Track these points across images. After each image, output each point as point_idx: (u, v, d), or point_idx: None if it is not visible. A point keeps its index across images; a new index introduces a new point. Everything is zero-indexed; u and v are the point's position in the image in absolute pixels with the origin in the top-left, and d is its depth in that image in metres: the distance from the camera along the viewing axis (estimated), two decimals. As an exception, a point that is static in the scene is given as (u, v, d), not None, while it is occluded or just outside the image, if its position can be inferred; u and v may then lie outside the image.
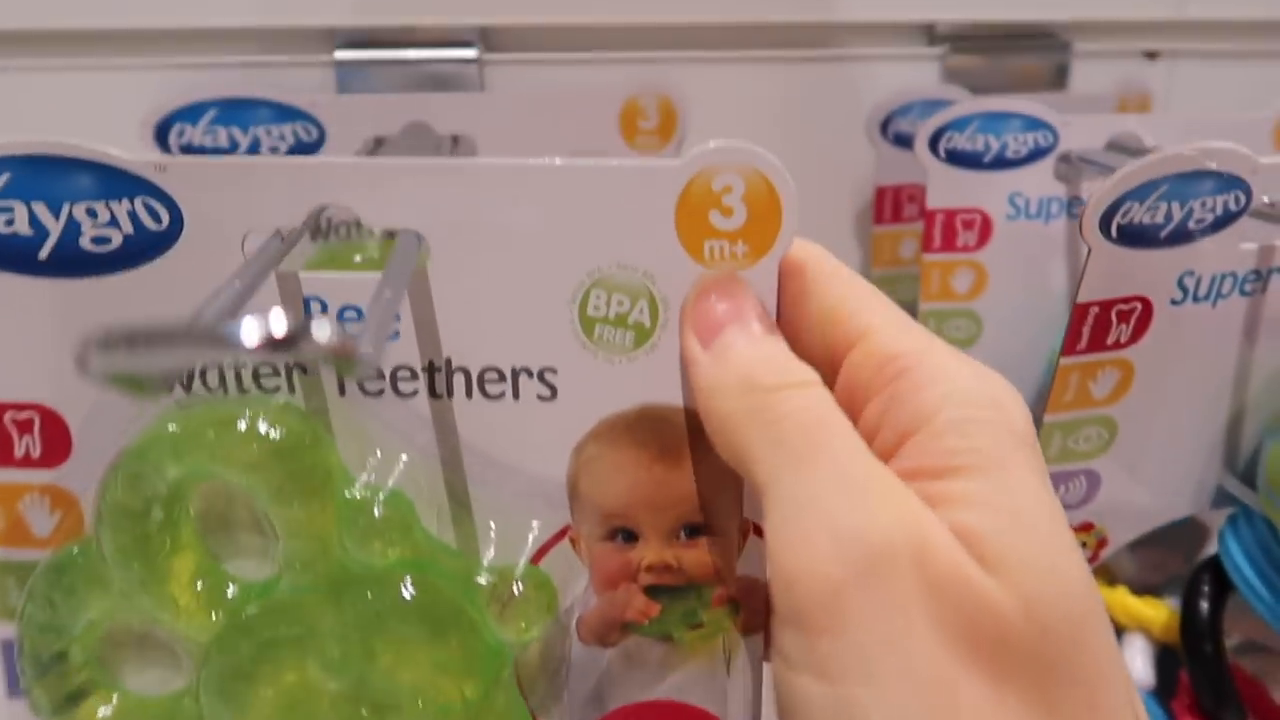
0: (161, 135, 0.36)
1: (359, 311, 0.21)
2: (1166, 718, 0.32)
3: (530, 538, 0.22)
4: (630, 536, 0.22)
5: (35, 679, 0.22)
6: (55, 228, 0.21)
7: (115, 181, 0.20)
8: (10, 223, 0.20)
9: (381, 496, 0.21)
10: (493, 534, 0.22)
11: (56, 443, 0.22)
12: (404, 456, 0.22)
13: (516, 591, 0.21)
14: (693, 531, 0.22)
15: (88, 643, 0.22)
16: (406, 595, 0.21)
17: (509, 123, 0.37)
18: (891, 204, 0.41)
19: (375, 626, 0.21)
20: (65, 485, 0.22)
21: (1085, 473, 0.30)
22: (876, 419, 0.19)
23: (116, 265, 0.21)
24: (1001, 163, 0.36)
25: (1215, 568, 0.31)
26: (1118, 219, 0.26)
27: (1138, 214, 0.26)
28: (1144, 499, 0.30)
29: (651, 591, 0.22)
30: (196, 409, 0.21)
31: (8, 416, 0.22)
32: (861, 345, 0.19)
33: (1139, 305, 0.27)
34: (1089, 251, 0.26)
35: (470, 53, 0.39)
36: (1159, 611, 0.32)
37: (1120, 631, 0.32)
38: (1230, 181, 0.26)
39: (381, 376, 0.21)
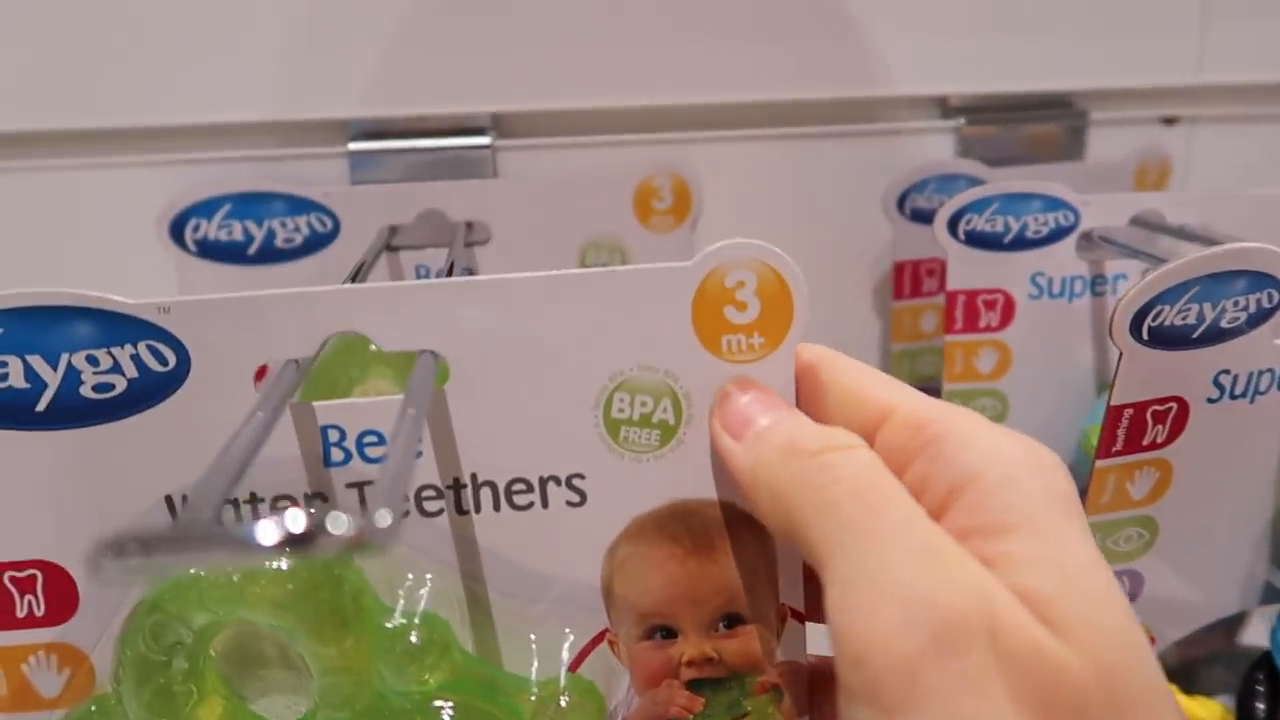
0: (177, 231, 0.36)
1: (379, 436, 0.21)
2: None
3: (566, 645, 0.22)
4: (669, 633, 0.22)
5: None
6: (53, 379, 0.20)
7: (117, 327, 0.20)
8: (4, 378, 0.20)
9: (417, 621, 0.20)
10: (533, 645, 0.21)
11: (62, 598, 0.21)
12: (429, 577, 0.21)
13: (563, 704, 0.21)
14: (731, 622, 0.22)
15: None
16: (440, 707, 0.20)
17: (523, 208, 0.37)
18: (910, 278, 0.41)
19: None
20: (73, 641, 0.21)
21: (1128, 573, 0.29)
22: (918, 483, 0.18)
23: (122, 411, 0.20)
24: (1022, 243, 0.35)
25: (1268, 665, 0.30)
26: (1149, 322, 0.26)
27: (1169, 316, 0.26)
28: (1190, 597, 0.30)
29: (694, 686, 0.22)
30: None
31: (7, 576, 0.21)
32: (892, 419, 0.19)
33: (1175, 405, 0.27)
34: (1120, 355, 0.26)
35: (483, 140, 0.39)
36: (1212, 712, 0.31)
37: None
38: (1262, 280, 0.26)
39: (405, 499, 0.21)
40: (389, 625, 0.20)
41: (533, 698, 0.21)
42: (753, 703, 0.22)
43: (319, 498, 0.21)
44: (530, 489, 0.21)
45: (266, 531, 0.14)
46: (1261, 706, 0.30)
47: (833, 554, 0.17)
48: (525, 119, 0.40)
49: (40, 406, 0.20)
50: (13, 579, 0.21)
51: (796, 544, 0.18)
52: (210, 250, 0.36)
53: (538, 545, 0.21)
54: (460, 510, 0.21)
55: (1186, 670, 0.33)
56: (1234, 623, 0.32)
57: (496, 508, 0.21)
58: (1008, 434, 0.18)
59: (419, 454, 0.21)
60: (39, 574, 0.21)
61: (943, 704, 0.15)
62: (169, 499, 0.21)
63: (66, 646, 0.21)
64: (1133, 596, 0.29)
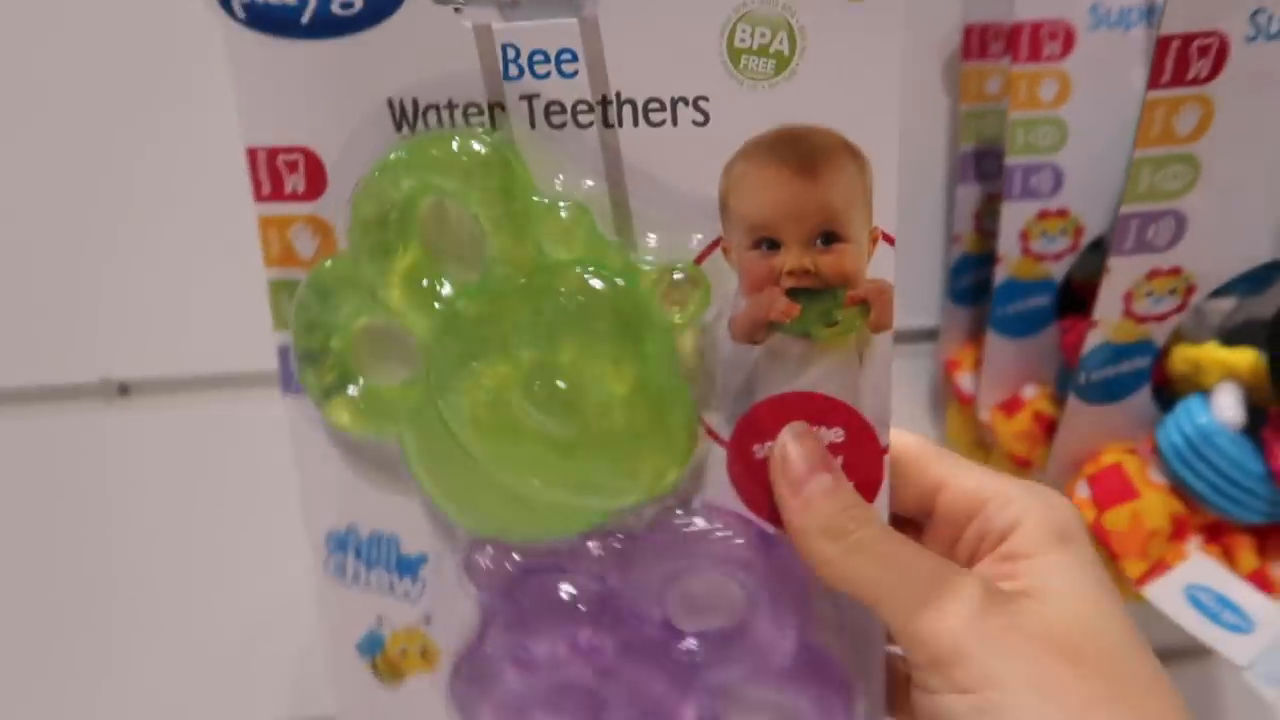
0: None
1: (546, 54, 0.25)
2: (1256, 447, 0.34)
3: (689, 248, 0.26)
4: (773, 245, 0.25)
5: (304, 370, 0.29)
6: (311, -3, 0.26)
7: (355, -46, 0.25)
8: (278, -6, 0.26)
9: (564, 203, 0.25)
10: (652, 245, 0.26)
11: (316, 179, 0.28)
12: (586, 181, 0.26)
13: (677, 277, 0.25)
14: (828, 240, 0.25)
15: (342, 338, 0.28)
16: (591, 283, 0.25)
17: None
18: (979, 41, 0.41)
19: (564, 319, 0.25)
20: (323, 215, 0.28)
21: (1173, 213, 0.32)
22: (977, 535, 0.27)
23: (358, 25, 0.26)
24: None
25: None
26: None
27: None
28: (1229, 242, 0.32)
29: (792, 294, 0.26)
30: (420, 138, 0.26)
31: (280, 159, 0.28)
32: (948, 489, 0.28)
33: (1216, 40, 0.30)
34: None
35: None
36: (1246, 356, 0.34)
37: (1211, 385, 0.35)
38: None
39: (563, 110, 0.26)
40: (544, 201, 0.25)
41: (651, 270, 0.25)
42: (843, 314, 0.26)
43: (498, 106, 0.26)
44: (663, 108, 0.25)
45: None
46: None
47: (879, 599, 0.25)
48: None
49: (304, 19, 0.26)
50: (284, 161, 0.28)
51: (849, 591, 0.26)
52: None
53: (668, 159, 0.25)
54: (606, 124, 0.25)
55: (1226, 329, 0.36)
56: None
57: (635, 123, 0.25)
58: (1031, 490, 0.27)
59: (575, 73, 0.25)
60: (301, 158, 0.28)
61: (985, 656, 0.24)
62: (390, 101, 0.27)
63: (318, 219, 0.28)
64: (1177, 238, 0.32)
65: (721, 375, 0.27)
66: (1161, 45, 0.30)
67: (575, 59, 0.25)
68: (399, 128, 0.27)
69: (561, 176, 0.26)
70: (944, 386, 0.45)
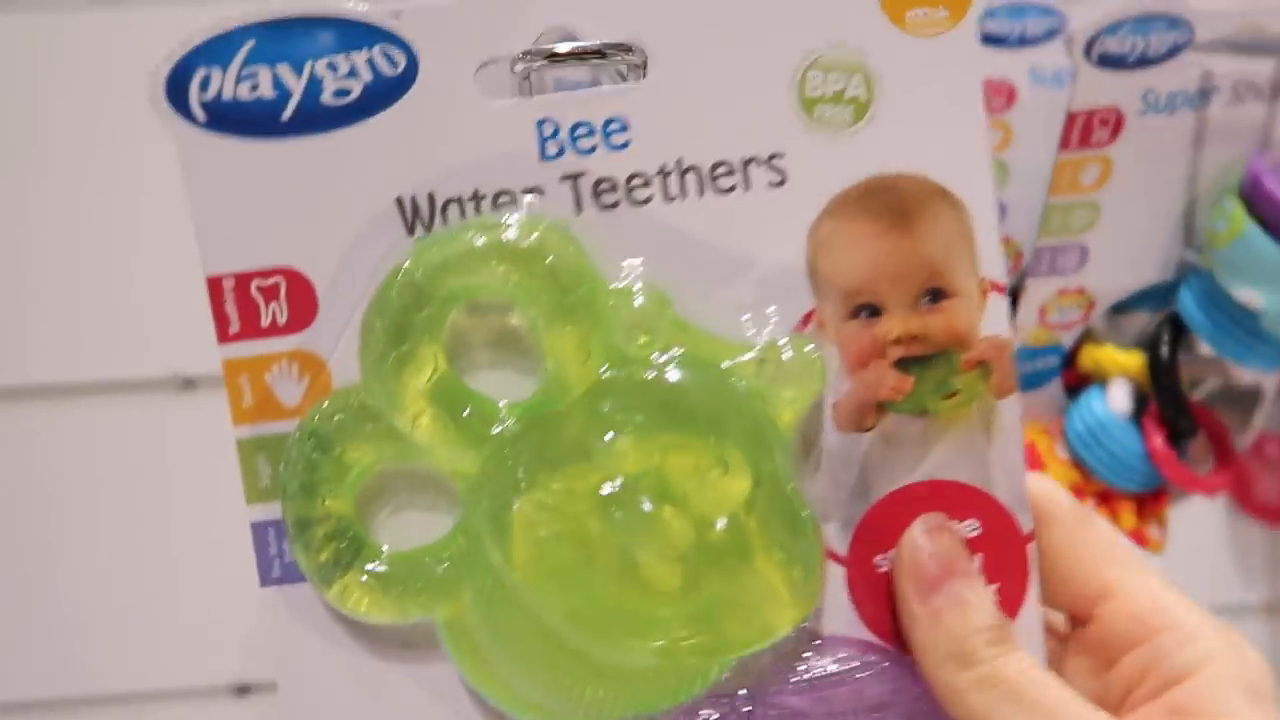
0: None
1: (591, 126, 0.22)
2: (1139, 431, 0.41)
3: (777, 327, 0.22)
4: (874, 311, 0.22)
5: (300, 545, 0.22)
6: (298, 86, 0.22)
7: (354, 34, 0.22)
8: (255, 88, 0.22)
9: (639, 286, 0.21)
10: (744, 323, 0.22)
11: (303, 305, 0.23)
12: (648, 266, 0.22)
13: (785, 358, 0.21)
14: (935, 297, 0.22)
15: (347, 497, 0.22)
16: (677, 378, 0.21)
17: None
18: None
19: (652, 419, 0.21)
20: (313, 349, 0.23)
21: (1079, 246, 0.40)
22: (1140, 670, 0.22)
23: (355, 116, 0.22)
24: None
25: (1174, 319, 0.41)
26: (1096, 48, 0.36)
27: (1110, 45, 0.36)
28: (1123, 268, 0.41)
29: (902, 365, 0.22)
30: (447, 231, 0.22)
31: (254, 284, 0.23)
32: (1114, 600, 0.23)
33: (1114, 114, 0.38)
34: (1076, 71, 0.37)
35: None
36: (1135, 359, 0.42)
37: (1107, 380, 0.42)
38: (1175, 21, 0.36)
39: (615, 187, 0.22)
40: (616, 286, 0.21)
41: (756, 355, 0.21)
42: (961, 380, 0.22)
43: (536, 191, 0.22)
44: (732, 171, 0.22)
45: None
46: (1165, 348, 0.41)
47: None
48: None
49: (286, 115, 0.22)
50: (259, 287, 0.23)
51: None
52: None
53: (743, 227, 0.22)
54: (668, 197, 0.22)
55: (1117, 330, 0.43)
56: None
57: (701, 192, 0.22)
58: (1221, 631, 0.22)
59: (626, 144, 0.22)
60: (283, 281, 0.23)
61: None
62: (399, 200, 0.22)
63: (307, 354, 0.23)
64: (1081, 266, 0.40)
65: (831, 474, 0.23)
66: (1070, 118, 0.38)
67: (625, 129, 0.22)
68: (411, 230, 0.22)
69: (623, 263, 0.22)
70: None
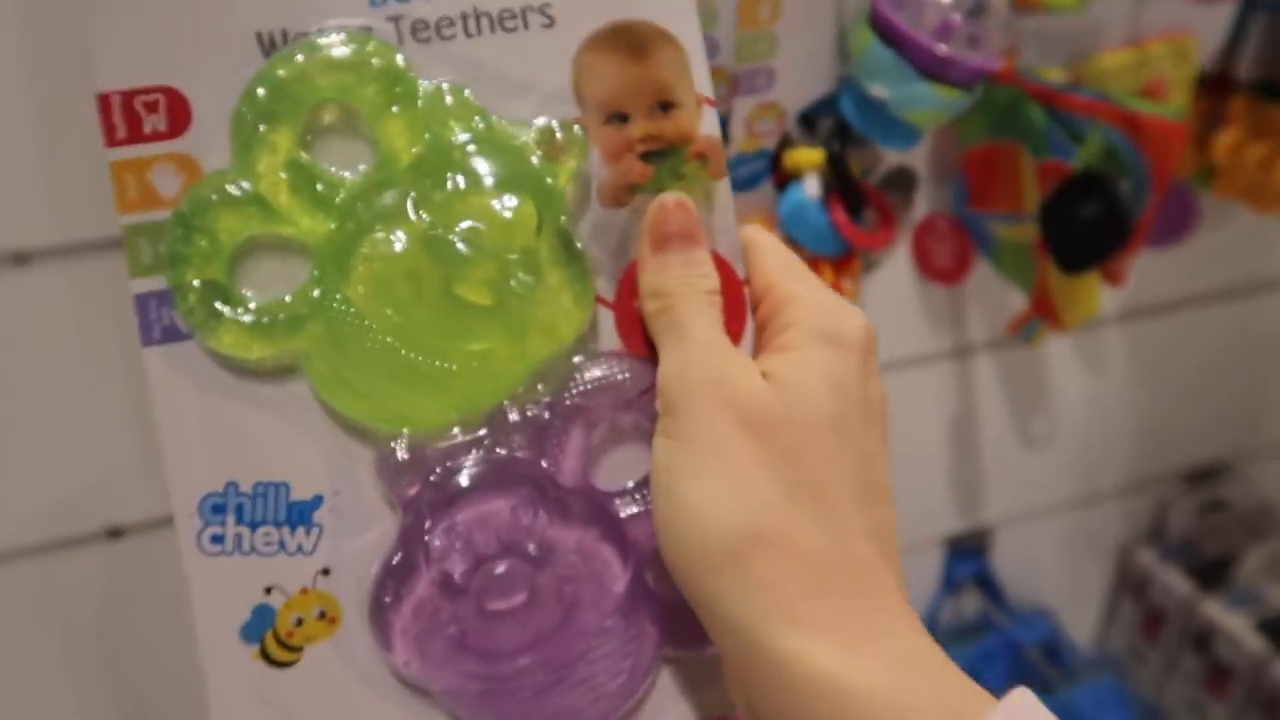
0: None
1: (406, -19, 0.29)
2: (826, 210, 0.54)
3: (552, 121, 0.30)
4: (623, 119, 0.31)
5: (183, 303, 0.28)
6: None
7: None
8: (139, -55, 0.28)
9: (447, 86, 0.29)
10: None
11: (180, 116, 0.29)
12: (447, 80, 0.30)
13: (558, 138, 0.29)
14: (665, 108, 0.31)
15: (220, 261, 0.28)
16: (476, 150, 0.28)
17: None
18: None
19: (456, 194, 0.28)
20: (187, 151, 0.29)
21: (767, 70, 0.51)
22: (773, 328, 0.30)
23: (222, -30, 0.29)
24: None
25: (840, 120, 0.53)
26: None
27: None
28: (802, 84, 0.53)
29: (645, 158, 0.31)
30: (302, 44, 0.28)
31: (138, 100, 0.28)
32: (773, 290, 0.30)
33: None
34: None
35: None
36: (819, 154, 0.54)
37: (801, 174, 0.54)
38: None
39: (428, 27, 0.30)
40: (427, 86, 0.29)
41: (535, 136, 0.29)
42: (688, 168, 0.31)
43: (366, 30, 0.29)
44: (515, 16, 0.30)
45: None
46: (837, 144, 0.54)
47: (661, 351, 0.29)
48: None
49: (165, -34, 0.28)
50: (142, 101, 0.28)
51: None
52: None
53: (526, 57, 0.30)
54: (468, 35, 0.30)
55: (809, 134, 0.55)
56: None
57: (493, 31, 0.30)
58: (829, 302, 0.30)
59: (435, -5, 0.30)
60: (162, 97, 0.29)
61: (691, 416, 0.27)
62: (259, 34, 0.29)
63: (183, 155, 0.29)
64: (769, 87, 0.51)
65: (599, 241, 0.30)
66: None
67: (432, -16, 0.30)
68: (268, 57, 0.29)
69: (433, 82, 0.30)
70: None
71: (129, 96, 0.28)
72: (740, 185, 0.53)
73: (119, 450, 0.51)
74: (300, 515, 0.29)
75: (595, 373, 0.30)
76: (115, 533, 0.53)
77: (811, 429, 0.27)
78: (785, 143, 0.54)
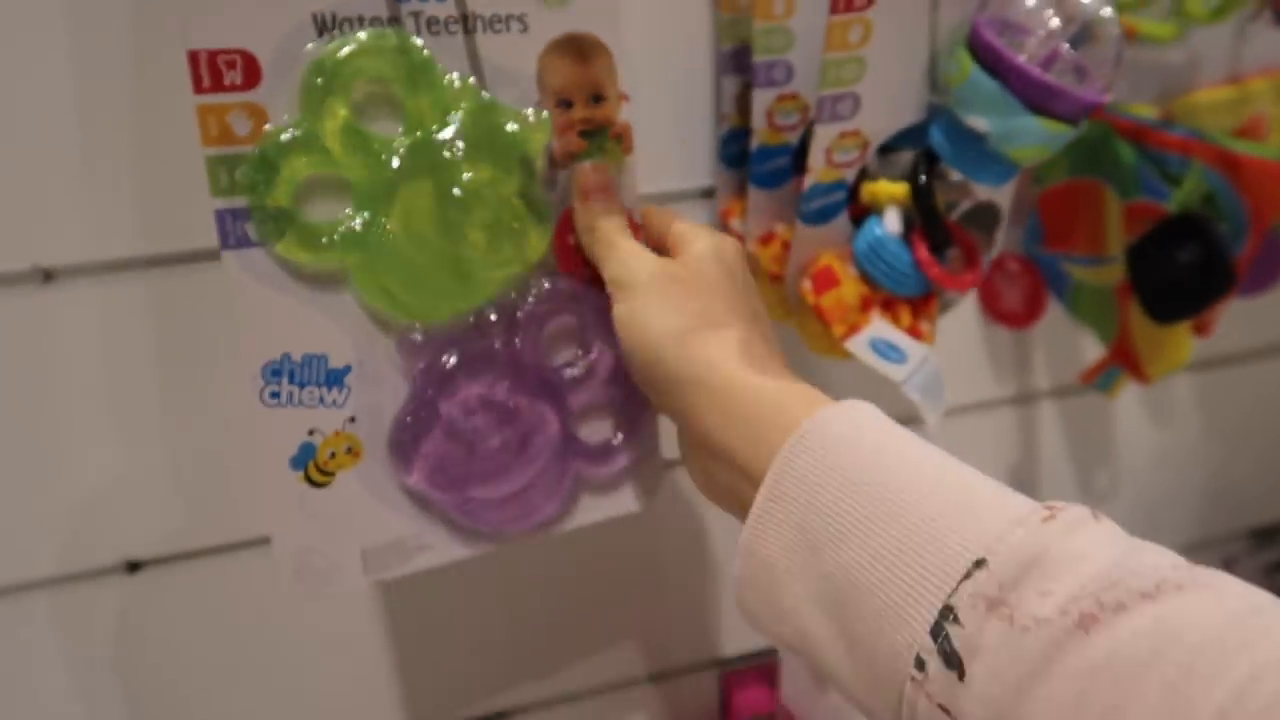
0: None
1: (426, -14, 0.39)
2: (908, 247, 0.50)
3: (530, 109, 0.42)
4: (568, 104, 0.43)
5: (258, 220, 0.37)
6: (254, -63, 0.36)
7: (290, -90, 0.37)
8: (227, -66, 0.36)
9: (456, 75, 0.40)
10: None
11: (252, 74, 0.37)
12: (456, 70, 0.40)
13: (533, 119, 0.41)
14: (597, 99, 0.43)
15: (288, 191, 0.38)
16: (477, 135, 0.40)
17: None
18: None
19: (470, 150, 0.40)
20: (257, 101, 0.37)
21: (853, 95, 0.47)
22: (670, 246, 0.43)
23: (289, -39, 0.37)
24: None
25: (928, 152, 0.49)
26: None
27: None
28: (889, 112, 0.48)
29: (582, 135, 0.43)
30: (354, 35, 0.38)
31: (220, 59, 0.37)
32: (669, 233, 0.44)
33: None
34: None
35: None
36: (902, 188, 0.50)
37: (878, 208, 0.51)
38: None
39: (439, 23, 0.40)
40: (443, 77, 0.39)
41: (519, 122, 0.41)
42: (609, 144, 0.44)
43: (395, 19, 0.39)
44: (502, 20, 0.41)
45: None
46: (923, 176, 0.49)
47: (602, 268, 0.42)
48: None
49: (246, -46, 0.36)
50: (223, 60, 0.37)
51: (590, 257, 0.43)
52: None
53: (509, 52, 0.41)
54: (467, 32, 0.40)
55: (887, 166, 0.52)
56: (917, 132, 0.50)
57: (484, 31, 0.41)
58: (710, 233, 0.42)
59: (445, 0, 0.40)
60: (239, 57, 0.37)
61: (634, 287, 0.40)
62: (315, 15, 0.38)
63: (253, 104, 0.37)
64: (855, 113, 0.47)
65: (548, 191, 0.43)
66: None
67: (445, -8, 0.40)
68: (320, 34, 0.38)
69: (441, 65, 0.40)
70: (721, 229, 0.56)
71: (213, 55, 0.37)
72: (814, 218, 0.50)
73: (136, 486, 0.51)
74: (335, 379, 0.40)
75: (546, 285, 0.43)
76: (133, 566, 0.52)
77: (711, 281, 0.40)
78: (863, 175, 0.50)
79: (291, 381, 0.40)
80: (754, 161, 0.52)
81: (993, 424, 0.71)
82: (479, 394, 0.41)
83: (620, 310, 0.40)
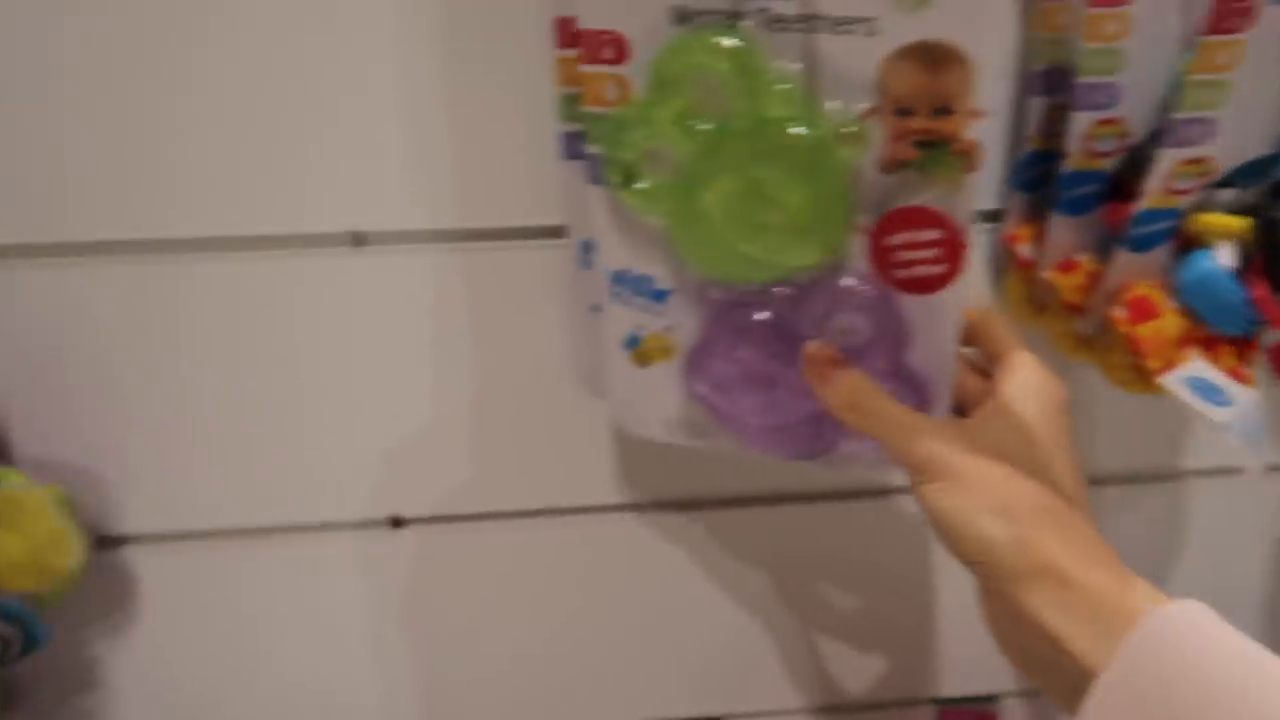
0: None
1: (776, -16, 0.40)
2: (1242, 286, 0.49)
3: (854, 115, 0.42)
4: (906, 112, 0.41)
5: (611, 169, 0.46)
6: (630, -62, 0.41)
7: (660, -86, 0.41)
8: (609, -64, 0.42)
9: (786, 76, 0.41)
10: (835, 109, 0.42)
11: (622, 52, 0.44)
12: (794, 66, 0.42)
13: (854, 128, 0.41)
14: (941, 111, 0.40)
15: (634, 151, 0.46)
16: (795, 131, 0.42)
17: None
18: None
19: (776, 151, 0.42)
20: (625, 75, 0.45)
21: (1211, 120, 0.46)
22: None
23: (657, -42, 0.42)
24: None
25: (1277, 184, 0.47)
26: None
27: None
28: (1242, 142, 0.47)
29: (918, 145, 0.41)
30: (696, 32, 0.42)
31: (600, 38, 0.44)
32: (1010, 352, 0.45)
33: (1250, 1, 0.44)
34: None
35: None
36: (1242, 222, 0.49)
37: (1210, 241, 0.50)
38: None
39: (783, 20, 0.41)
40: (769, 75, 0.41)
41: (833, 124, 0.41)
42: (949, 159, 0.41)
43: (741, 15, 0.41)
44: (849, 23, 0.40)
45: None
46: (1276, 212, 0.47)
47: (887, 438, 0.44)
48: None
49: (623, -47, 0.42)
50: (602, 38, 0.44)
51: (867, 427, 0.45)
52: None
53: (851, 56, 0.41)
54: (811, 32, 0.41)
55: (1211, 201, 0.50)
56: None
57: (830, 32, 0.41)
58: (1038, 369, 0.44)
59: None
60: (613, 38, 0.44)
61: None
62: (672, 8, 0.42)
63: (620, 77, 0.45)
64: (1210, 138, 0.46)
65: (870, 193, 0.43)
66: (1216, 4, 0.44)
67: (795, -7, 0.40)
68: (676, 24, 0.43)
69: (779, 63, 0.42)
70: (1003, 254, 0.58)
71: (595, 34, 0.44)
72: (1139, 244, 0.50)
73: (411, 447, 0.57)
74: (659, 296, 0.49)
75: (843, 281, 0.45)
76: (398, 522, 0.58)
77: (1033, 437, 0.42)
78: (1192, 207, 0.50)
79: (630, 290, 0.50)
80: (1063, 186, 0.50)
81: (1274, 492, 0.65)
82: (765, 329, 0.47)
83: (933, 495, 0.42)
